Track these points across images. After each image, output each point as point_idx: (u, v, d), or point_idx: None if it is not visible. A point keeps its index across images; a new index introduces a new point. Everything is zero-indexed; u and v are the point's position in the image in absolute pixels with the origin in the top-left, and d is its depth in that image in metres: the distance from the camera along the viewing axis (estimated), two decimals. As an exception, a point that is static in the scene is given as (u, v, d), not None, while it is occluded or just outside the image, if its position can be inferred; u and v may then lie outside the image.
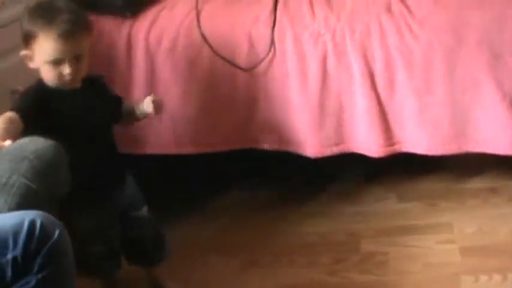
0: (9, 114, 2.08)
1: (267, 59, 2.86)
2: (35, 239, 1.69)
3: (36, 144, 1.96)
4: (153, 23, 2.99)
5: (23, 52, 2.27)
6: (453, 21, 2.79)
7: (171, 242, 2.66)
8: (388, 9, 2.87)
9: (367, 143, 2.88)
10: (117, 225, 2.49)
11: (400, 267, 2.70)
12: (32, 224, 1.69)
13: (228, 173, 3.38)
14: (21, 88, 2.43)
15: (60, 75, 2.23)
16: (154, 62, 2.95)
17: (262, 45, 2.88)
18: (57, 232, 1.73)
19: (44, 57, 2.22)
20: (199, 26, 2.91)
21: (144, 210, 2.55)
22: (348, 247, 2.85)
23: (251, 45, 2.88)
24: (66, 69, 2.21)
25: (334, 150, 2.92)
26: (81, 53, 2.23)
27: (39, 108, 2.20)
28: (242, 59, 2.89)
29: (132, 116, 2.53)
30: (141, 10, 3.05)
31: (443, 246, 2.78)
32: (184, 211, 3.15)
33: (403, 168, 3.21)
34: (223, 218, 3.12)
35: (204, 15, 2.96)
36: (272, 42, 2.86)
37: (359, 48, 2.81)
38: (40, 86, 2.28)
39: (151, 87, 2.95)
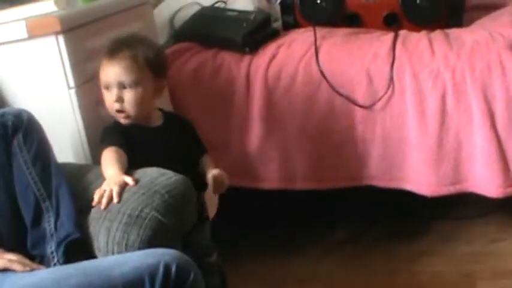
0: (115, 149, 2.15)
1: (386, 96, 2.85)
2: (171, 282, 1.72)
3: (166, 178, 1.99)
4: (272, 59, 3.02)
5: None
6: None
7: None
8: (509, 47, 2.82)
9: (485, 183, 2.83)
10: None
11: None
12: (168, 267, 1.72)
13: (340, 209, 3.36)
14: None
15: (111, 104, 2.24)
16: (272, 97, 2.97)
17: (380, 82, 2.87)
18: (192, 275, 1.76)
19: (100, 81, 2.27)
20: (317, 63, 2.93)
21: (215, 257, 2.43)
22: (463, 288, 2.80)
23: (369, 82, 2.88)
24: (112, 95, 2.22)
25: (451, 189, 2.88)
26: (127, 83, 2.21)
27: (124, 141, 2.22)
28: (360, 96, 2.89)
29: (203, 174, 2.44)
30: (260, 46, 3.09)
31: None
32: (301, 246, 3.16)
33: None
34: (338, 254, 3.10)
35: (322, 52, 2.97)
36: (391, 79, 2.85)
37: (479, 86, 2.78)
38: (116, 123, 2.28)
39: (268, 122, 2.98)
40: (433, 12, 3.17)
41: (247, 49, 3.06)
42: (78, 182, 2.14)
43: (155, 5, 3.46)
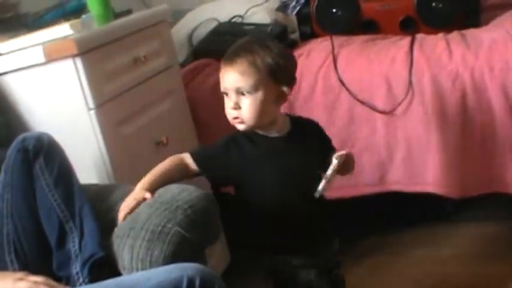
0: (177, 162, 2.13)
1: (406, 101, 2.85)
2: None
3: (189, 194, 1.99)
4: (290, 69, 3.02)
5: None
6: None
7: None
8: (527, 45, 2.82)
9: (512, 182, 2.82)
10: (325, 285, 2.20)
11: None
12: (192, 280, 1.72)
13: (366, 217, 3.36)
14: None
15: (228, 111, 2.09)
16: (293, 108, 2.97)
17: (400, 87, 2.87)
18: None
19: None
20: (336, 71, 2.94)
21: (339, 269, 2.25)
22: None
23: (389, 87, 2.88)
24: (229, 102, 2.07)
25: (479, 190, 2.87)
26: (245, 89, 2.03)
27: (223, 159, 2.10)
28: (380, 102, 2.89)
29: None
30: (279, 57, 3.09)
31: None
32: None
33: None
34: (366, 262, 3.10)
35: (340, 60, 2.98)
36: (410, 83, 2.84)
37: (498, 85, 2.77)
38: (234, 136, 2.13)
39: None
40: (449, 14, 3.16)
41: (265, 62, 3.06)
42: (102, 203, 2.16)
43: (173, 24, 3.49)
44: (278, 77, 2.06)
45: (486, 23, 3.21)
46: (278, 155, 2.10)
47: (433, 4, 3.16)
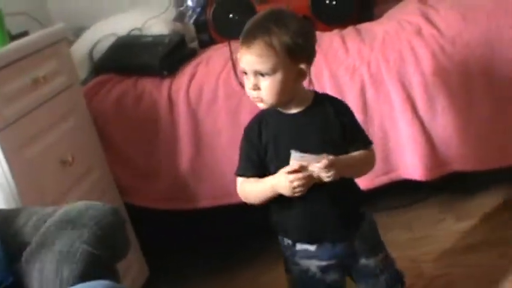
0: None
1: (307, 98, 2.89)
2: None
3: (95, 210, 1.99)
4: (191, 78, 3.04)
5: None
6: (485, 34, 2.82)
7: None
8: (419, 33, 2.90)
9: (415, 167, 2.89)
10: (344, 274, 2.23)
11: (467, 288, 2.67)
12: None
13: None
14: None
15: (248, 90, 2.07)
16: (197, 115, 2.99)
17: (300, 86, 2.91)
18: None
19: None
20: (236, 75, 2.96)
21: (377, 259, 2.22)
22: (411, 273, 2.78)
23: (290, 86, 2.91)
24: (249, 83, 2.04)
25: (384, 179, 2.93)
26: (263, 71, 2.00)
27: (259, 145, 2.12)
28: (283, 102, 2.92)
29: None
30: (178, 68, 3.12)
31: (505, 261, 2.74)
32: (255, 252, 3.20)
33: (455, 188, 3.23)
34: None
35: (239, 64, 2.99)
36: (310, 80, 2.87)
37: (395, 76, 2.84)
38: (253, 125, 2.17)
39: (196, 141, 3.01)
40: (342, 10, 3.22)
41: (165, 72, 3.08)
42: (9, 227, 2.12)
43: (74, 42, 3.47)
44: (297, 56, 2.02)
45: (380, 16, 3.28)
46: (292, 131, 2.09)
47: (327, 1, 3.21)
